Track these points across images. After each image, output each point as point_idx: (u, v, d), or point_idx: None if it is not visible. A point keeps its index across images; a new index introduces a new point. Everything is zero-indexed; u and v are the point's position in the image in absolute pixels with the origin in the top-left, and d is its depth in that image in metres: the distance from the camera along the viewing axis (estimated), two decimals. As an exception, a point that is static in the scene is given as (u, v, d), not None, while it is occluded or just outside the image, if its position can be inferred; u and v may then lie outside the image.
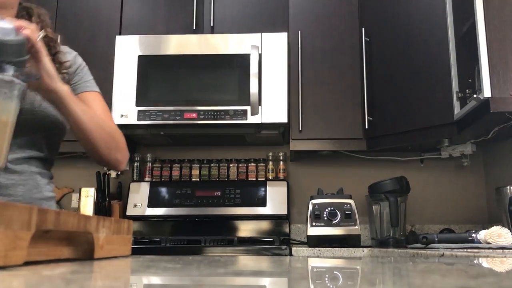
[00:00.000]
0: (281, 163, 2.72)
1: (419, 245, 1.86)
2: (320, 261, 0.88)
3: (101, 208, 2.64)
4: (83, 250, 0.67)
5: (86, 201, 2.62)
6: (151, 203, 2.61)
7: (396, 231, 2.37)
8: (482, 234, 1.72)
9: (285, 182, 2.65)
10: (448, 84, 2.08)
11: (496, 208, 2.25)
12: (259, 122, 2.36)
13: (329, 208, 2.27)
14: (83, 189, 2.64)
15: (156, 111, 2.40)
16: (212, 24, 2.59)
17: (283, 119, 2.37)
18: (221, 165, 2.73)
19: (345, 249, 2.10)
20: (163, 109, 2.39)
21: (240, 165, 2.72)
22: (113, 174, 2.80)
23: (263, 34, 2.46)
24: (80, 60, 1.30)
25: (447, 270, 0.56)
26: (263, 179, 2.69)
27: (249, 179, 2.69)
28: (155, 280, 0.48)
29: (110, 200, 2.67)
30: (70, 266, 0.56)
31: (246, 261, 0.78)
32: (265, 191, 2.61)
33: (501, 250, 1.55)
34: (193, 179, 2.71)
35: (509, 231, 1.69)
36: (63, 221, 0.58)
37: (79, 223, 0.63)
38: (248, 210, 2.57)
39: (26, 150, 1.14)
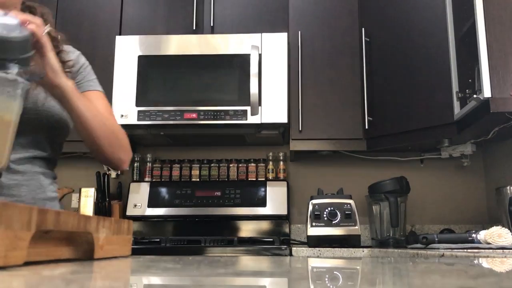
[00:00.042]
0: (281, 163, 2.72)
1: (419, 245, 1.86)
2: (320, 261, 0.88)
3: (101, 208, 2.64)
4: (83, 250, 0.67)
5: (86, 201, 2.62)
6: (151, 203, 2.61)
7: (396, 231, 2.37)
8: (482, 234, 1.72)
9: (285, 182, 2.66)
10: (448, 84, 2.08)
11: (496, 208, 2.25)
12: (259, 122, 2.36)
13: (329, 208, 2.27)
14: (83, 189, 2.64)
15: (156, 111, 2.40)
16: (212, 24, 2.59)
17: (283, 119, 2.37)
18: (221, 165, 2.73)
19: (345, 249, 2.10)
20: (163, 109, 2.39)
21: (240, 165, 2.72)
22: (113, 174, 2.80)
23: (263, 34, 2.46)
24: (83, 59, 1.29)
25: (447, 270, 0.56)
26: (263, 179, 2.69)
27: (249, 179, 2.69)
28: (155, 280, 0.48)
29: (110, 200, 2.67)
30: (70, 266, 0.56)
31: (246, 261, 0.78)
32: (265, 191, 2.61)
33: (501, 250, 1.55)
34: (193, 179, 2.71)
35: (509, 231, 1.69)
36: (63, 221, 0.58)
37: (79, 223, 0.63)
38: (248, 210, 2.57)
39: (29, 150, 1.13)
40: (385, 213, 2.40)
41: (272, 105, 2.38)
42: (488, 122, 1.98)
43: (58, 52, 1.14)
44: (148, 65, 2.47)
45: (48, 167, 1.20)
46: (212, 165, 2.73)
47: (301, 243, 2.54)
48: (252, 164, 2.71)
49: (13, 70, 0.82)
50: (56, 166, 1.25)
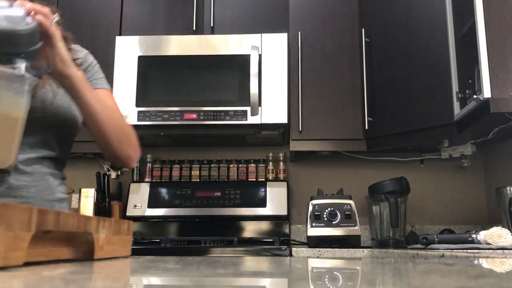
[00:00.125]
0: (281, 163, 2.72)
1: (419, 245, 1.86)
2: (320, 261, 0.88)
3: (101, 209, 2.64)
4: (83, 251, 0.67)
5: (86, 201, 2.62)
6: (151, 204, 2.61)
7: (396, 232, 2.37)
8: (482, 235, 1.72)
9: (285, 183, 2.66)
10: (448, 84, 2.08)
11: (496, 209, 2.25)
12: (259, 122, 2.36)
13: (329, 209, 2.27)
14: (83, 190, 2.64)
15: (156, 111, 2.40)
16: (212, 25, 2.59)
17: (283, 119, 2.37)
18: (221, 165, 2.73)
19: (345, 249, 2.10)
20: (163, 110, 2.40)
21: (240, 165, 2.72)
22: (113, 174, 2.80)
23: (263, 34, 2.46)
24: (91, 58, 1.28)
25: (447, 271, 0.56)
26: (263, 179, 2.69)
27: (249, 179, 2.69)
28: (155, 280, 0.48)
29: (110, 201, 2.67)
30: (70, 266, 0.56)
31: (246, 261, 0.78)
32: (265, 191, 2.61)
33: (501, 250, 1.55)
34: (193, 180, 2.71)
35: (509, 231, 1.69)
36: (63, 221, 0.58)
37: (79, 223, 0.63)
38: (248, 211, 2.57)
39: (38, 150, 1.12)
40: (385, 214, 2.40)
41: (272, 106, 2.38)
42: (488, 123, 1.98)
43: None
44: (148, 66, 2.47)
45: (57, 167, 1.19)
46: (212, 165, 2.73)
47: (301, 244, 2.54)
48: (252, 165, 2.71)
49: (20, 65, 0.79)
50: (65, 166, 1.24)
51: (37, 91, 1.08)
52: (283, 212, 2.56)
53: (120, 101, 2.40)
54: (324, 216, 2.26)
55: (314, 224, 2.25)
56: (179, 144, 2.81)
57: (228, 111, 2.38)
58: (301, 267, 0.69)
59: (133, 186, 2.68)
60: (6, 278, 0.41)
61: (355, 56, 2.53)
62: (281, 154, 2.73)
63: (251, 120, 2.36)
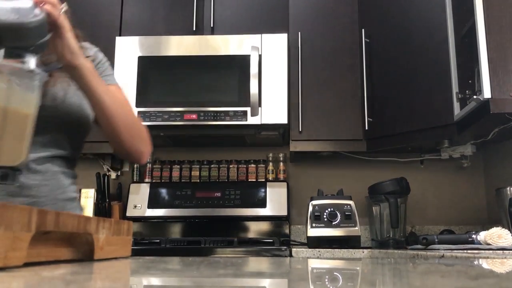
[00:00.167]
0: (281, 164, 2.72)
1: (419, 246, 1.86)
2: (320, 262, 0.88)
3: (101, 209, 2.64)
4: (83, 251, 0.67)
5: (86, 202, 2.62)
6: (151, 204, 2.61)
7: (396, 232, 2.37)
8: (482, 235, 1.72)
9: (285, 183, 2.65)
10: (448, 85, 2.08)
11: (496, 209, 2.25)
12: (259, 123, 2.37)
13: (329, 209, 2.27)
14: (83, 190, 2.64)
15: (156, 112, 2.40)
16: (212, 25, 2.59)
17: (283, 120, 2.37)
18: (221, 166, 2.73)
19: (345, 250, 2.10)
20: (163, 110, 2.40)
21: (240, 166, 2.72)
22: (113, 175, 2.80)
23: (263, 35, 2.46)
24: (101, 55, 1.27)
25: (447, 271, 0.56)
26: (263, 180, 2.69)
27: (249, 180, 2.69)
28: (155, 281, 0.48)
29: (110, 201, 2.67)
30: (70, 267, 0.56)
31: (246, 262, 0.78)
32: (265, 192, 2.61)
33: (501, 251, 1.55)
34: (193, 180, 2.71)
35: (509, 232, 1.69)
36: (62, 222, 0.58)
37: (79, 224, 0.63)
38: (248, 211, 2.57)
39: (50, 149, 1.10)
40: (385, 214, 2.40)
41: (272, 106, 2.38)
42: (488, 123, 1.98)
43: None
44: (148, 66, 2.47)
45: (68, 166, 1.17)
46: (212, 166, 2.73)
47: (301, 244, 2.54)
48: (252, 165, 2.71)
49: (30, 59, 0.77)
50: (76, 165, 1.22)
51: (48, 89, 1.07)
52: (283, 212, 2.56)
53: (120, 101, 2.41)
54: (324, 216, 2.26)
55: (314, 225, 2.25)
56: (179, 145, 2.81)
57: (228, 111, 2.38)
58: (301, 268, 0.69)
59: (133, 186, 2.68)
60: (6, 279, 0.41)
61: (355, 57, 2.53)
62: (281, 155, 2.73)
63: (251, 120, 2.37)
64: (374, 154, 2.70)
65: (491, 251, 1.54)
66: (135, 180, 2.75)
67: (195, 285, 0.42)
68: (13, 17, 0.77)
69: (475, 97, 1.80)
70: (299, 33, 2.55)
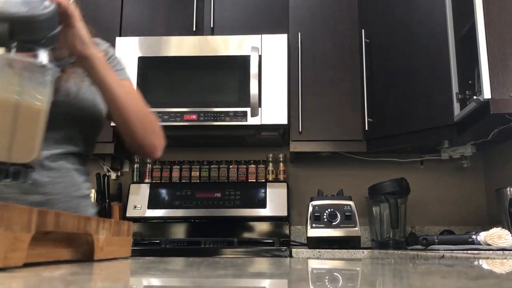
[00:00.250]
0: (281, 164, 2.72)
1: (419, 246, 1.86)
2: (320, 262, 0.88)
3: (101, 210, 2.64)
4: (83, 252, 0.67)
5: (86, 202, 2.62)
6: (151, 205, 2.61)
7: (396, 233, 2.37)
8: (482, 236, 1.72)
9: (285, 184, 2.65)
10: (448, 85, 2.09)
11: (496, 210, 2.24)
12: (259, 123, 2.37)
13: (329, 210, 2.27)
14: (83, 191, 2.63)
15: (156, 112, 2.36)
16: (212, 26, 2.59)
17: (283, 120, 2.37)
18: (221, 166, 2.73)
19: (345, 250, 2.10)
20: (163, 111, 2.40)
21: (240, 166, 2.72)
22: (113, 175, 2.80)
23: (263, 35, 2.46)
24: (112, 50, 1.26)
25: (447, 272, 0.56)
26: (263, 180, 2.69)
27: (249, 180, 2.69)
28: (155, 281, 0.48)
29: (110, 202, 2.67)
30: (70, 267, 0.56)
31: (246, 262, 0.78)
32: (265, 192, 2.61)
33: (501, 251, 1.55)
34: (193, 181, 2.71)
35: (509, 232, 1.69)
36: (63, 222, 0.58)
37: (79, 224, 0.63)
38: (248, 212, 2.57)
39: (63, 146, 1.10)
40: (385, 215, 2.40)
41: (272, 107, 2.38)
42: (488, 123, 1.98)
43: None
44: (148, 67, 2.47)
45: (81, 163, 1.16)
46: (212, 166, 2.73)
47: (301, 245, 2.53)
48: (252, 166, 2.71)
49: (41, 53, 0.76)
50: (89, 162, 1.21)
51: (61, 84, 1.06)
52: (283, 213, 2.56)
53: (120, 102, 2.41)
54: (324, 217, 2.26)
55: (314, 225, 2.25)
56: (179, 145, 2.81)
57: (228, 112, 2.38)
58: (301, 268, 0.69)
59: (133, 187, 2.68)
60: (5, 279, 0.41)
61: (355, 57, 2.53)
62: (281, 155, 2.73)
63: (251, 121, 2.37)
64: (374, 155, 2.70)
65: (491, 252, 1.54)
66: (135, 180, 2.75)
67: (195, 286, 0.42)
68: (23, 9, 0.75)
69: (475, 97, 1.80)
70: (299, 33, 2.55)
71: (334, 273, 0.58)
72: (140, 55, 2.47)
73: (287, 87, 2.42)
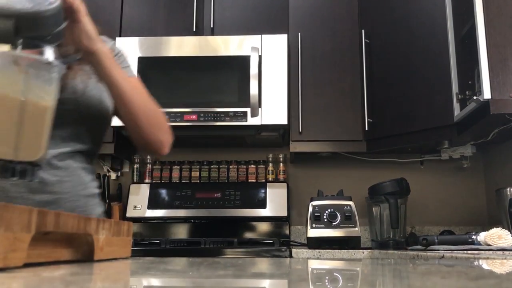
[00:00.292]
0: (281, 164, 2.72)
1: (419, 247, 1.86)
2: (320, 262, 0.88)
3: (101, 210, 2.64)
4: (83, 252, 0.67)
5: (86, 202, 2.62)
6: (151, 205, 2.61)
7: (396, 233, 2.37)
8: (482, 236, 1.72)
9: (285, 184, 2.65)
10: (448, 86, 2.09)
11: (496, 210, 2.24)
12: (259, 123, 2.37)
13: (329, 210, 2.27)
14: (83, 191, 2.63)
15: (156, 112, 2.39)
16: (212, 26, 2.59)
17: (283, 120, 2.37)
18: (221, 166, 2.73)
19: (345, 251, 2.10)
20: (163, 111, 2.38)
21: (240, 166, 2.72)
22: (113, 175, 2.80)
23: (263, 36, 2.46)
24: (118, 48, 1.27)
25: (447, 272, 0.56)
26: (263, 180, 2.69)
27: (249, 180, 2.69)
28: (155, 282, 0.48)
29: (110, 202, 2.67)
30: (70, 268, 0.56)
31: (246, 262, 0.78)
32: (265, 192, 2.61)
33: (501, 252, 1.55)
34: (193, 181, 2.71)
35: (509, 232, 1.69)
36: (63, 222, 0.58)
37: (79, 224, 0.63)
38: (248, 212, 2.57)
39: (70, 144, 1.09)
40: (385, 215, 2.40)
41: (272, 107, 2.38)
42: (488, 124, 1.98)
43: None
44: (148, 67, 2.47)
45: (88, 161, 1.16)
46: (212, 166, 2.73)
47: (301, 245, 2.53)
48: (252, 166, 2.71)
49: (47, 50, 0.75)
50: (95, 161, 1.21)
51: (67, 82, 1.06)
52: (283, 213, 2.56)
53: (120, 102, 2.41)
54: (324, 217, 2.26)
55: (314, 225, 2.25)
56: (179, 145, 2.81)
57: (228, 112, 2.38)
58: (301, 268, 0.69)
59: (133, 187, 2.68)
60: (5, 279, 0.41)
61: (355, 57, 2.53)
62: (281, 155, 2.73)
63: (251, 121, 2.37)
64: (374, 155, 2.70)
65: (491, 252, 1.54)
66: (135, 180, 2.75)
67: (195, 286, 0.42)
68: (29, 5, 0.74)
69: (475, 98, 1.80)
70: (299, 33, 2.55)
71: (334, 274, 0.58)
72: (140, 55, 2.47)
73: (287, 87, 2.42)
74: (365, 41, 2.47)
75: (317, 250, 2.11)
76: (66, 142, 1.09)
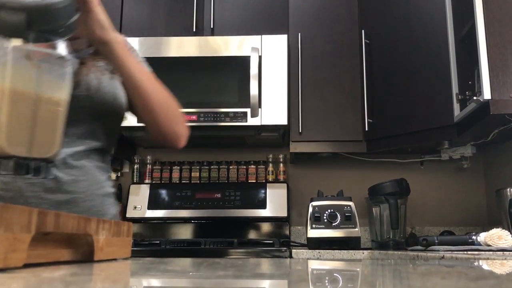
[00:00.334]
0: (281, 165, 2.72)
1: (419, 247, 1.86)
2: (320, 263, 0.88)
3: (101, 210, 2.64)
4: (83, 252, 0.67)
5: (86, 203, 2.62)
6: (151, 205, 2.61)
7: (396, 233, 2.37)
8: (482, 236, 1.72)
9: (285, 184, 2.65)
10: (448, 86, 2.09)
11: (496, 210, 2.24)
12: (259, 124, 2.37)
13: (329, 210, 2.27)
14: (83, 191, 2.63)
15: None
16: (212, 26, 2.59)
17: (283, 121, 2.37)
18: (221, 167, 2.73)
19: (345, 251, 2.10)
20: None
21: (240, 167, 2.72)
22: (113, 176, 2.80)
23: (263, 36, 2.46)
24: (129, 44, 1.27)
25: (447, 273, 0.56)
26: (263, 181, 2.69)
27: (249, 181, 2.69)
28: (155, 282, 0.48)
29: (110, 202, 2.67)
30: (70, 268, 0.56)
31: (246, 263, 0.78)
32: (265, 193, 2.61)
33: (501, 252, 1.55)
34: (193, 181, 2.71)
35: (509, 233, 1.68)
36: (63, 223, 0.58)
37: (79, 225, 0.63)
38: (248, 212, 2.57)
39: (85, 141, 1.08)
40: (385, 215, 2.40)
41: (272, 107, 2.38)
42: (488, 124, 1.98)
43: None
44: (148, 67, 2.46)
45: (103, 160, 1.14)
46: (212, 167, 2.73)
47: (301, 245, 2.53)
48: (252, 166, 2.71)
49: (60, 43, 0.73)
50: (109, 160, 1.19)
51: (81, 78, 1.05)
52: (283, 213, 2.56)
53: (120, 102, 2.41)
54: (324, 217, 2.26)
55: (314, 226, 2.25)
56: (179, 146, 2.81)
57: (228, 112, 2.38)
58: (301, 269, 0.69)
59: (133, 187, 2.68)
60: (5, 280, 0.41)
61: (355, 58, 2.53)
62: (281, 156, 2.73)
63: (251, 121, 2.37)
64: (374, 155, 2.70)
65: (491, 252, 1.54)
66: (135, 181, 2.75)
67: (195, 286, 0.42)
68: None
69: (475, 98, 1.80)
70: (299, 34, 2.55)
71: (334, 274, 0.58)
72: (140, 55, 2.47)
73: (287, 88, 2.42)
74: (365, 41, 2.47)
75: (317, 251, 2.11)
76: (82, 140, 1.07)
